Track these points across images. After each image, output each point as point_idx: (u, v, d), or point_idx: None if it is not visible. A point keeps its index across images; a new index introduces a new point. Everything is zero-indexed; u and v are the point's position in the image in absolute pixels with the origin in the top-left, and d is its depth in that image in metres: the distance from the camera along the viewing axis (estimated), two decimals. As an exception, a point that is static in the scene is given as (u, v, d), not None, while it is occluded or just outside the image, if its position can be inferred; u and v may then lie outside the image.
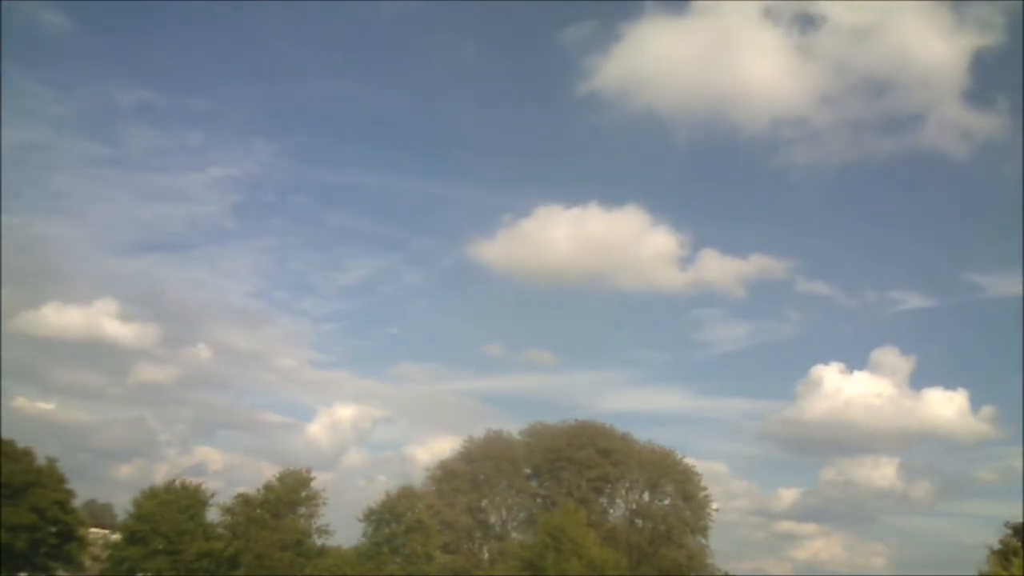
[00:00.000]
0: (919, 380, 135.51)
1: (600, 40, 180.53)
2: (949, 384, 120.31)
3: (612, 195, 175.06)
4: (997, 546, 52.50)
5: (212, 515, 57.01)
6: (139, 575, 54.88)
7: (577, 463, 71.52)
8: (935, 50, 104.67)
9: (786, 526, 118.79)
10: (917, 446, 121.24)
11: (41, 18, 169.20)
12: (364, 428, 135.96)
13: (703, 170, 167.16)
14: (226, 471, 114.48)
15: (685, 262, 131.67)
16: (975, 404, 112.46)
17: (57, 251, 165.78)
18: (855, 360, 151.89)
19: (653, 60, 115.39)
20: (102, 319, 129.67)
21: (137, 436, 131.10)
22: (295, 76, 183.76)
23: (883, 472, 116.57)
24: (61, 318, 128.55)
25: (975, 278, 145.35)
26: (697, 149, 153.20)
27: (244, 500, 56.73)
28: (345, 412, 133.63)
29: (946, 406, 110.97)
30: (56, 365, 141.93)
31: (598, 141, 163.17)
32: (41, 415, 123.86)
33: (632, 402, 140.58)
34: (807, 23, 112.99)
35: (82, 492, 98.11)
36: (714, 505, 73.74)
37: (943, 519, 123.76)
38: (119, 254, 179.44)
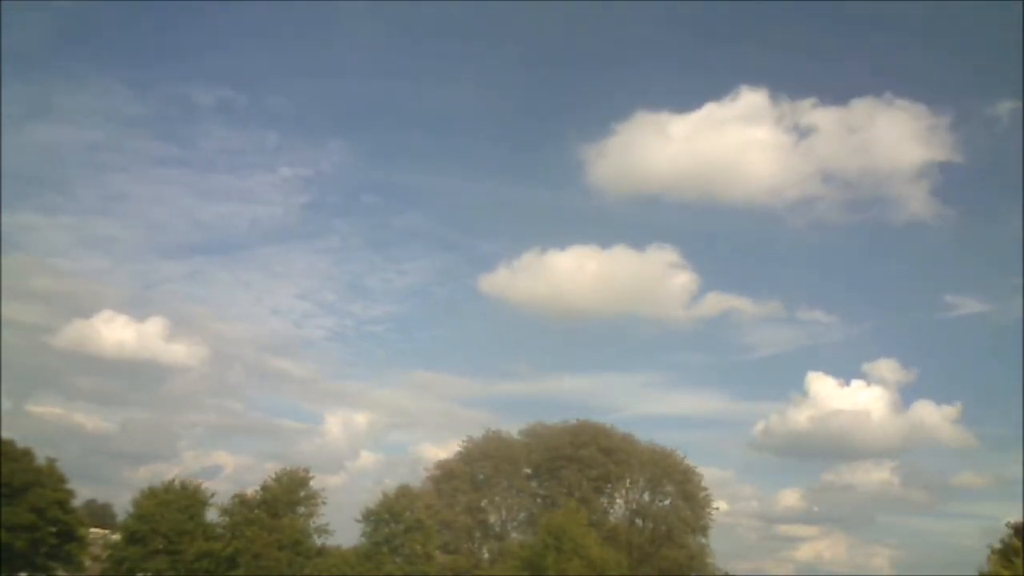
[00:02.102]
0: (914, 391, 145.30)
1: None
2: (942, 395, 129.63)
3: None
4: (998, 546, 52.48)
5: (213, 515, 57.23)
6: (139, 575, 54.92)
7: (577, 462, 71.42)
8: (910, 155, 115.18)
9: (787, 528, 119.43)
10: (914, 452, 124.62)
11: (123, 18, 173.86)
12: (377, 433, 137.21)
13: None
14: (237, 474, 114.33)
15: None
16: (965, 414, 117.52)
17: (106, 252, 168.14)
18: (850, 370, 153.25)
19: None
20: (143, 337, 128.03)
21: (155, 440, 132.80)
22: (379, 75, 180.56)
23: (882, 476, 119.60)
24: (100, 334, 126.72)
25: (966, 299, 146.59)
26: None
27: (241, 500, 56.72)
28: (360, 417, 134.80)
29: (938, 416, 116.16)
30: (85, 374, 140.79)
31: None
32: (62, 420, 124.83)
33: (663, 406, 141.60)
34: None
35: (96, 494, 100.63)
36: (715, 505, 73.73)
37: (941, 520, 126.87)
38: (169, 256, 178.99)
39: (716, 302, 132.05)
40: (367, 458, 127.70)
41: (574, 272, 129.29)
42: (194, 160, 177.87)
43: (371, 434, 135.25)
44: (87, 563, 58.85)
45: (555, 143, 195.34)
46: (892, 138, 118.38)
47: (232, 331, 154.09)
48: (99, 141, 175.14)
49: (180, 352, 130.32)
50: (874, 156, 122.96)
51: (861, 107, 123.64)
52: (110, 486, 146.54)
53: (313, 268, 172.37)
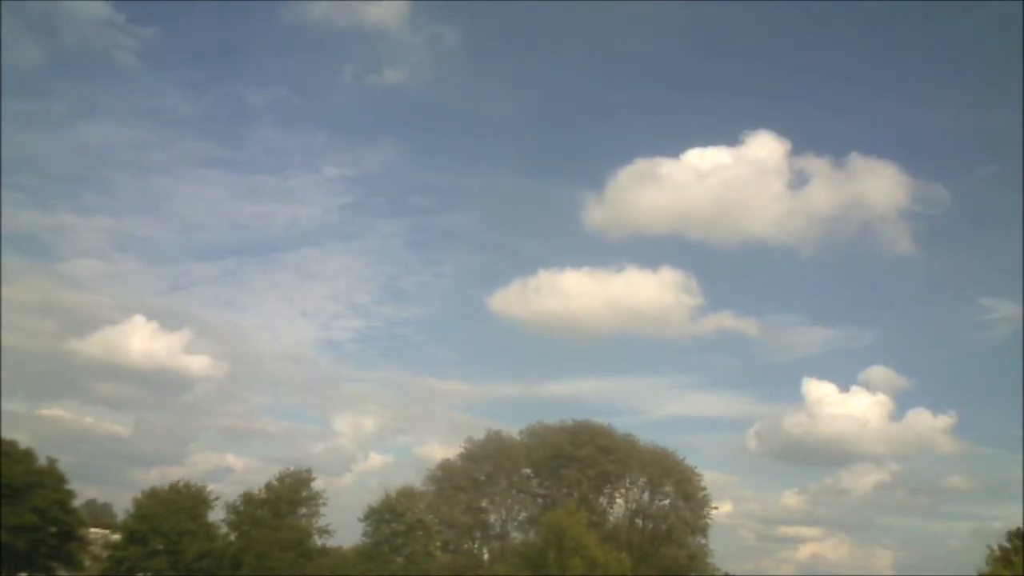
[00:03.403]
0: (911, 399, 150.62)
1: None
2: (937, 403, 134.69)
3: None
4: (997, 550, 52.83)
5: (214, 515, 57.29)
6: (139, 575, 54.92)
7: (577, 462, 71.46)
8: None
9: (787, 529, 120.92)
10: (910, 457, 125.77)
11: (180, 19, 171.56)
12: (386, 435, 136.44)
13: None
14: (245, 476, 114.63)
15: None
16: (959, 421, 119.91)
17: (139, 253, 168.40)
18: (848, 378, 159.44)
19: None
20: (169, 348, 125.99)
21: (167, 444, 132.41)
22: (431, 75, 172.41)
23: (880, 479, 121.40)
24: (127, 342, 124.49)
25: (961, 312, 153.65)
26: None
27: (248, 499, 56.79)
28: (368, 421, 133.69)
29: (932, 423, 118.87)
30: (107, 380, 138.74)
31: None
32: (75, 424, 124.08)
33: (684, 408, 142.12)
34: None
35: (105, 495, 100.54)
36: (714, 505, 73.97)
37: (936, 522, 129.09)
38: (203, 257, 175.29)
39: (719, 319, 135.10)
40: (376, 459, 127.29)
41: (586, 291, 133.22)
42: (238, 160, 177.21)
43: (379, 436, 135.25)
44: (87, 563, 58.81)
45: (584, 171, 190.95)
46: (881, 189, 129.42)
47: (254, 335, 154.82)
48: (144, 141, 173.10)
49: (202, 363, 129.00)
50: (866, 203, 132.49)
51: (855, 161, 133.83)
52: (119, 487, 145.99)
53: (348, 269, 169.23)
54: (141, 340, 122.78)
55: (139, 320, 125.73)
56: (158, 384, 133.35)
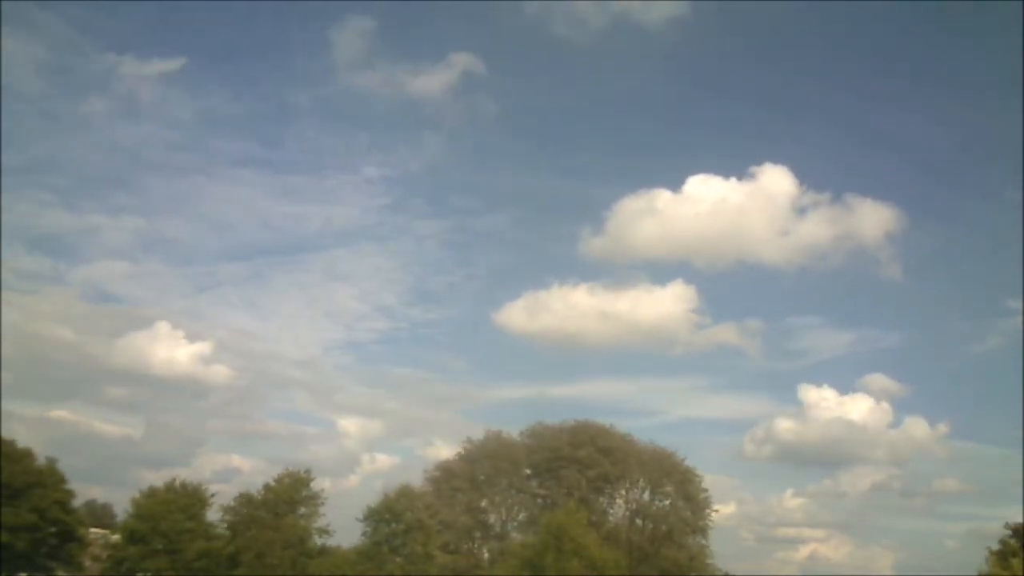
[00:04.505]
0: (908, 406, 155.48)
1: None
2: (933, 409, 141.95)
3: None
4: (998, 544, 52.86)
5: (214, 515, 57.33)
6: (139, 575, 54.97)
7: (577, 463, 71.41)
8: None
9: (788, 531, 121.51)
10: (908, 460, 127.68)
11: (228, 17, 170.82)
12: (394, 437, 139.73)
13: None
14: (252, 478, 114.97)
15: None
16: (953, 426, 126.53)
17: (165, 254, 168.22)
18: (847, 384, 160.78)
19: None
20: (190, 357, 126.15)
21: (176, 446, 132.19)
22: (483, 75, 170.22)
23: (880, 480, 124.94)
24: (148, 350, 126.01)
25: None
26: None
27: (247, 499, 56.80)
28: (375, 423, 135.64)
29: (928, 428, 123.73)
30: (119, 385, 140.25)
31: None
32: (87, 427, 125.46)
33: (701, 410, 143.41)
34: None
35: (111, 496, 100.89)
36: (714, 506, 73.84)
37: (933, 522, 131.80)
38: (230, 258, 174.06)
39: (721, 330, 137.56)
40: (384, 461, 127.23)
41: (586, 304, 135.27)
42: (276, 160, 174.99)
43: (387, 438, 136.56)
44: (87, 563, 58.89)
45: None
46: (874, 223, 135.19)
47: (274, 337, 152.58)
48: (181, 141, 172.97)
49: (219, 371, 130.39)
50: (859, 234, 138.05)
51: (852, 200, 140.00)
52: (129, 489, 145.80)
53: (379, 270, 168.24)
54: (161, 347, 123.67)
55: (161, 327, 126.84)
56: (173, 389, 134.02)
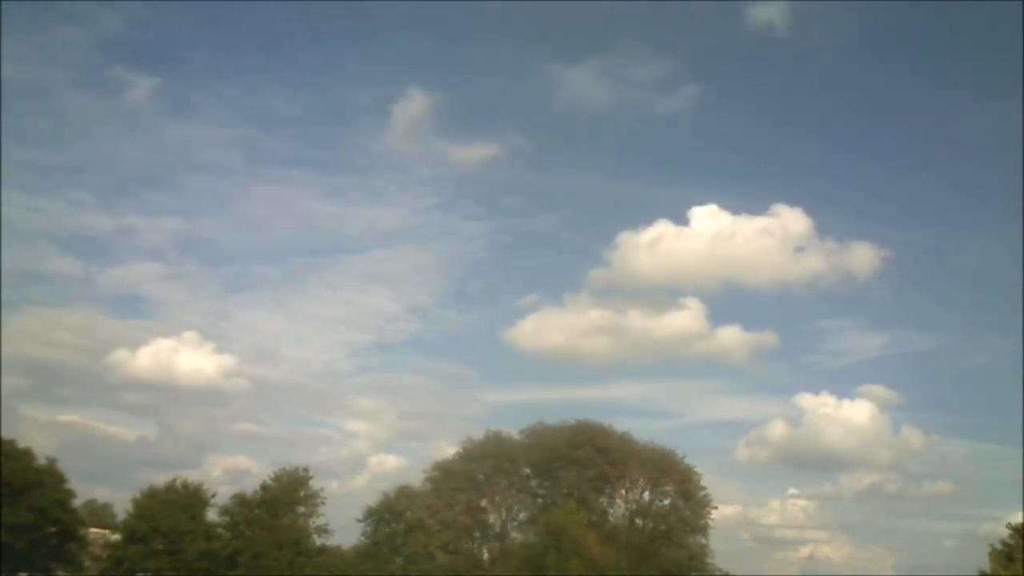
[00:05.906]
0: (905, 414, 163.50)
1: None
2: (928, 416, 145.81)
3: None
4: (1000, 543, 52.85)
5: (214, 516, 57.13)
6: (139, 575, 54.86)
7: (577, 463, 71.43)
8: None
9: (788, 532, 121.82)
10: (906, 464, 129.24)
11: (285, 17, 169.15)
12: (399, 439, 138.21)
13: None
14: (261, 479, 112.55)
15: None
16: (949, 431, 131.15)
17: (199, 254, 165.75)
18: (846, 390, 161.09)
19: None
20: (215, 367, 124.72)
21: (186, 449, 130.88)
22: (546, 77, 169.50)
23: (877, 482, 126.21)
24: (169, 359, 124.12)
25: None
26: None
27: (241, 500, 56.67)
28: (380, 426, 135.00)
29: (924, 433, 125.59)
30: (135, 391, 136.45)
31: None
32: (100, 432, 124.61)
33: (722, 411, 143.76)
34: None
35: (117, 496, 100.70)
36: (714, 505, 73.87)
37: (931, 523, 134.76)
38: (266, 258, 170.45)
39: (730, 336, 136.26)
40: (390, 462, 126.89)
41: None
42: (325, 160, 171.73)
43: (391, 440, 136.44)
44: (87, 563, 58.76)
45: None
46: (863, 259, 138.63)
47: (297, 340, 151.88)
48: (231, 140, 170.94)
49: (240, 385, 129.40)
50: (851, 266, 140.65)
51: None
52: (134, 490, 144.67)
53: (418, 271, 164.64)
54: (184, 357, 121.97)
55: (188, 336, 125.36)
56: (191, 397, 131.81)
